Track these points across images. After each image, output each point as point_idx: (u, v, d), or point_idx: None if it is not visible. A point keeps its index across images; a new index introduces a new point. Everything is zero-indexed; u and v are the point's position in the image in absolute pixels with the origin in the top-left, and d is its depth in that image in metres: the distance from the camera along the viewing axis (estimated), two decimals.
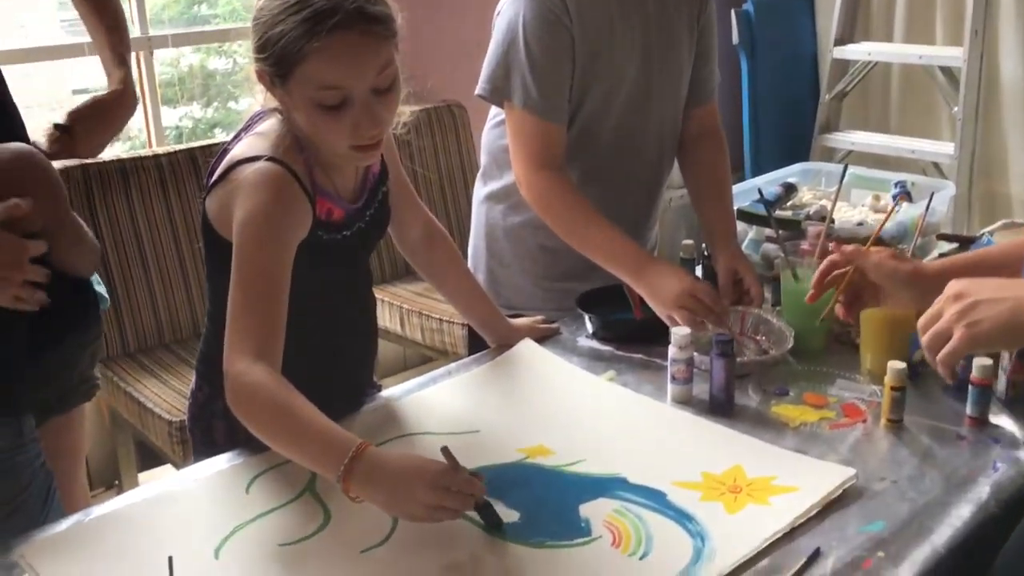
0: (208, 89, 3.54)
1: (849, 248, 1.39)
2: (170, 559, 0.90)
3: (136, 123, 3.17)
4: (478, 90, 1.70)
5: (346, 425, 1.40)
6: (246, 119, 1.38)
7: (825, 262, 1.40)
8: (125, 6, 2.89)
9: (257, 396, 1.20)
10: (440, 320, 2.83)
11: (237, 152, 1.32)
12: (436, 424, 1.43)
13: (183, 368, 2.55)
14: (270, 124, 1.33)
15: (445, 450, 1.19)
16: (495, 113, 1.81)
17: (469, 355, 1.69)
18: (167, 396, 2.41)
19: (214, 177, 1.33)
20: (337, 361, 1.43)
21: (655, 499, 1.24)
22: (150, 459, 2.68)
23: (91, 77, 2.76)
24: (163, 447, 2.39)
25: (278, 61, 1.23)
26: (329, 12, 1.19)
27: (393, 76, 1.26)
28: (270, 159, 1.28)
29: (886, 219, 1.67)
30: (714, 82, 1.87)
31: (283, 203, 1.28)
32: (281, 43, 1.21)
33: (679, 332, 1.44)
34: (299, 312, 1.28)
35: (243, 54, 3.57)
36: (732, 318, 1.62)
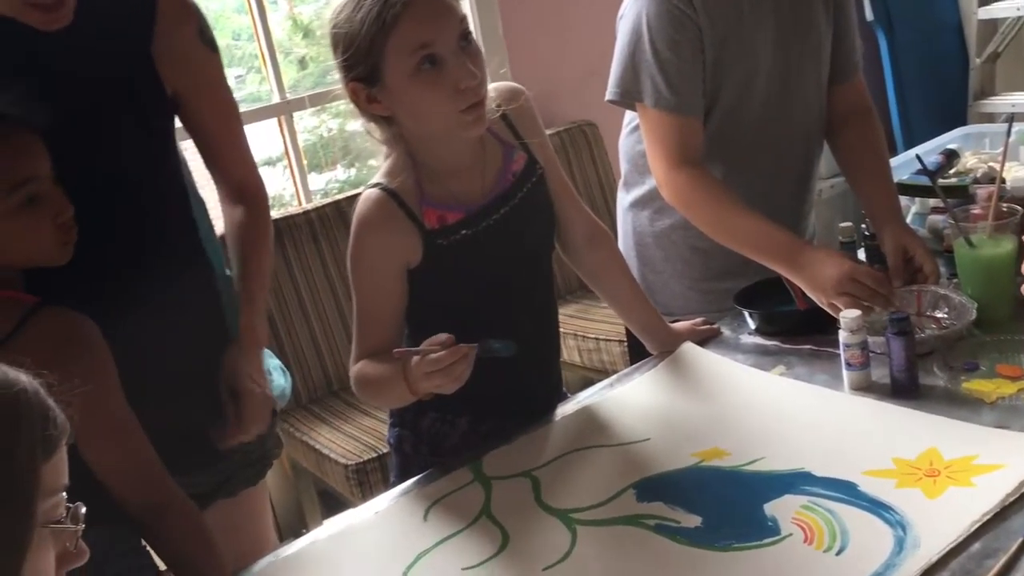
0: (348, 152, 3.67)
1: None
2: None
3: (286, 187, 3.32)
4: (608, 95, 1.68)
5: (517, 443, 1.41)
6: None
7: None
8: (264, 74, 3.04)
9: (359, 382, 1.40)
10: (596, 340, 2.81)
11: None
12: (605, 436, 1.40)
13: (352, 413, 2.62)
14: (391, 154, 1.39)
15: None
16: (630, 119, 1.79)
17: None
18: (340, 441, 2.48)
19: None
20: (512, 369, 1.40)
21: (846, 491, 1.17)
22: (332, 505, 2.76)
23: None
24: (342, 491, 2.46)
25: (368, 49, 1.26)
26: None
27: (469, 29, 1.29)
28: (374, 185, 1.36)
29: None
30: (857, 56, 1.77)
31: (375, 227, 1.35)
32: (362, 33, 1.25)
33: (848, 315, 1.36)
34: (459, 322, 1.29)
35: None
36: (907, 298, 1.52)
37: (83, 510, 0.75)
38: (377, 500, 1.38)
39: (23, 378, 0.72)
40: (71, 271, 1.33)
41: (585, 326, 2.86)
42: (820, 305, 1.51)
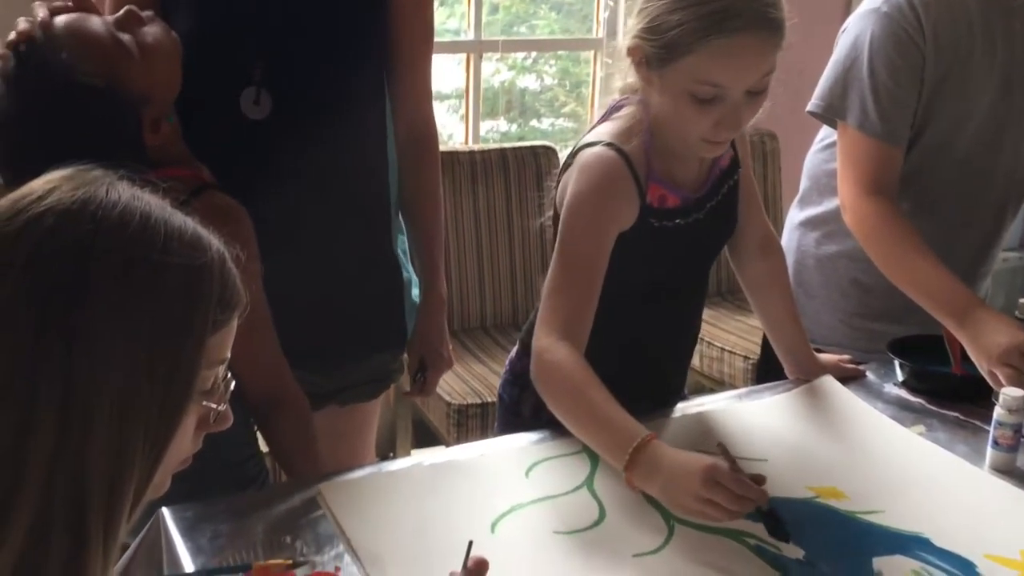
0: (514, 107, 3.68)
1: None
2: (470, 544, 0.94)
3: (456, 129, 3.36)
4: (810, 106, 1.63)
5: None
6: (606, 108, 1.40)
7: None
8: (462, 10, 3.07)
9: (557, 374, 1.25)
10: (721, 349, 2.75)
11: (584, 139, 1.36)
12: (724, 444, 1.38)
13: (467, 356, 2.65)
14: (627, 110, 1.35)
15: (721, 447, 1.15)
16: (824, 136, 1.73)
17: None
18: (449, 379, 2.51)
19: (564, 165, 1.38)
20: (657, 359, 1.40)
21: (963, 568, 1.12)
22: (424, 438, 2.81)
23: None
24: (439, 426, 2.50)
25: (666, 46, 1.22)
26: (734, 13, 1.18)
27: (769, 81, 1.25)
28: (608, 144, 1.31)
29: None
30: None
31: (609, 190, 1.30)
32: (675, 31, 1.20)
33: (1011, 393, 1.29)
34: (625, 301, 1.28)
35: (552, 75, 3.68)
36: None
37: (233, 385, 0.77)
38: (484, 443, 1.40)
39: (214, 244, 0.73)
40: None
41: (714, 334, 2.81)
42: (979, 372, 1.44)
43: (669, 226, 1.36)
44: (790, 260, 1.80)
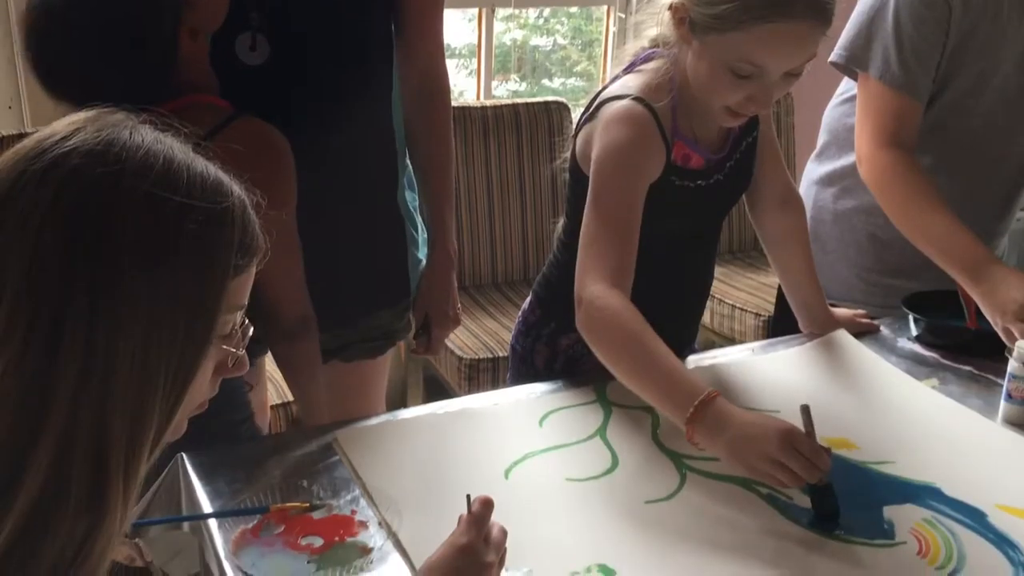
0: (525, 64, 3.65)
1: None
2: (468, 497, 0.94)
3: (467, 86, 3.34)
4: (833, 56, 1.61)
5: None
6: (631, 59, 1.38)
7: None
8: None
9: (613, 321, 1.22)
10: (733, 307, 2.75)
11: (609, 91, 1.34)
12: (733, 397, 1.38)
13: (477, 311, 2.65)
14: (655, 64, 1.33)
15: (805, 409, 1.14)
16: (844, 90, 1.71)
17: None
18: (460, 334, 2.52)
19: (585, 116, 1.37)
20: (668, 312, 1.40)
21: (973, 517, 1.12)
22: (435, 393, 2.82)
23: None
24: (450, 380, 2.51)
25: (717, 16, 1.20)
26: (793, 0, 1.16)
27: (804, 68, 1.24)
28: (636, 99, 1.30)
29: None
30: None
31: (640, 143, 1.29)
32: (729, 6, 1.18)
33: None
34: (640, 258, 1.28)
35: (564, 34, 3.64)
36: None
37: (251, 331, 0.78)
38: (497, 393, 1.41)
39: (236, 190, 0.73)
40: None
41: (725, 291, 2.80)
42: (993, 328, 1.44)
43: (691, 186, 1.36)
44: (807, 215, 1.79)
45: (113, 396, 0.65)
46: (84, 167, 0.66)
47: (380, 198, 1.56)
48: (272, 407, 2.12)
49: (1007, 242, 1.81)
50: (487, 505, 0.94)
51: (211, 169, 0.72)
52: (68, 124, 0.70)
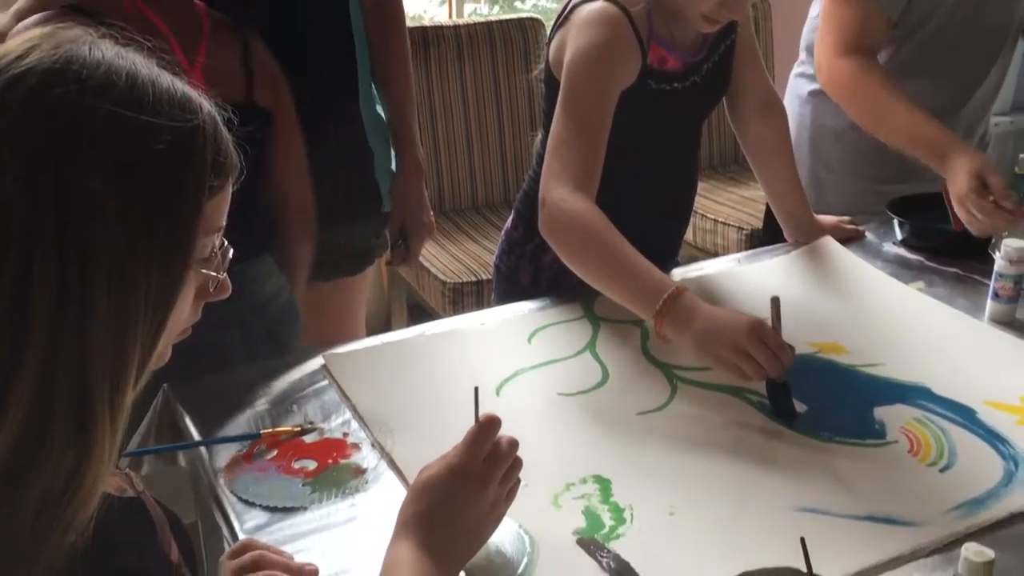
0: None
1: None
2: (476, 390, 0.89)
3: (440, 12, 3.26)
4: None
5: None
6: None
7: None
8: None
9: (576, 223, 1.21)
10: (715, 221, 2.74)
11: None
12: (722, 305, 1.37)
13: (459, 235, 2.63)
14: None
15: (775, 301, 1.13)
16: (817, 12, 1.68)
17: None
18: (443, 259, 2.51)
19: (558, 21, 1.33)
20: (650, 225, 1.39)
21: (963, 415, 1.13)
22: (420, 319, 2.81)
23: None
24: (435, 306, 2.50)
25: None
26: None
27: None
28: (610, 0, 1.26)
29: None
30: None
31: (613, 45, 1.26)
32: None
33: (1013, 244, 1.29)
34: (617, 165, 1.26)
35: None
36: None
37: (231, 253, 0.75)
38: (484, 313, 1.40)
39: (205, 106, 0.69)
40: None
41: (707, 206, 2.79)
42: (955, 211, 1.45)
43: (667, 89, 1.33)
44: (805, 136, 1.77)
45: (91, 326, 0.63)
46: (42, 88, 0.63)
47: (341, 108, 1.57)
48: None
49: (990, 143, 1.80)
50: (486, 425, 0.86)
51: (178, 84, 0.69)
52: (22, 42, 0.66)
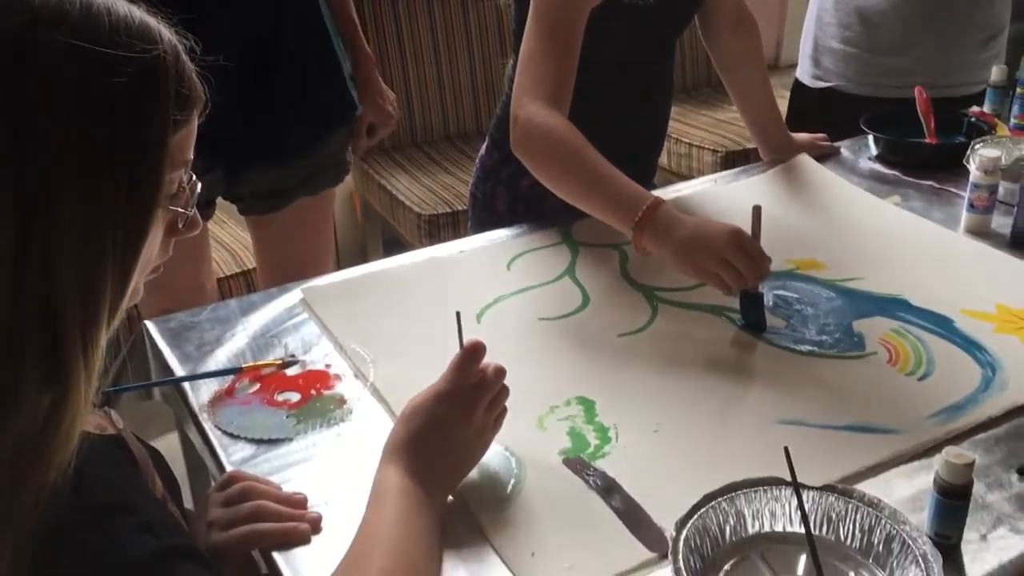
0: None
1: None
2: (458, 315, 0.88)
3: None
4: None
5: None
6: None
7: None
8: None
9: (550, 138, 1.18)
10: (689, 145, 2.73)
11: None
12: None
13: (432, 167, 2.61)
14: None
15: (756, 210, 1.13)
16: None
17: None
18: (417, 191, 2.49)
19: None
20: (625, 147, 1.37)
21: (941, 324, 1.14)
22: (396, 252, 2.80)
23: None
24: (411, 239, 2.49)
25: None
26: None
27: None
28: None
29: None
30: None
31: None
32: None
33: (987, 153, 1.29)
34: (590, 85, 1.24)
35: None
36: None
37: (199, 188, 0.73)
38: (462, 241, 1.39)
39: (165, 35, 0.67)
40: None
41: (681, 130, 2.77)
42: (953, 142, 1.44)
43: (639, 4, 1.31)
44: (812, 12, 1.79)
45: (58, 265, 0.61)
46: None
47: (304, 15, 1.57)
48: (233, 275, 2.09)
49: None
50: (471, 351, 0.87)
51: (135, 13, 0.66)
52: None
